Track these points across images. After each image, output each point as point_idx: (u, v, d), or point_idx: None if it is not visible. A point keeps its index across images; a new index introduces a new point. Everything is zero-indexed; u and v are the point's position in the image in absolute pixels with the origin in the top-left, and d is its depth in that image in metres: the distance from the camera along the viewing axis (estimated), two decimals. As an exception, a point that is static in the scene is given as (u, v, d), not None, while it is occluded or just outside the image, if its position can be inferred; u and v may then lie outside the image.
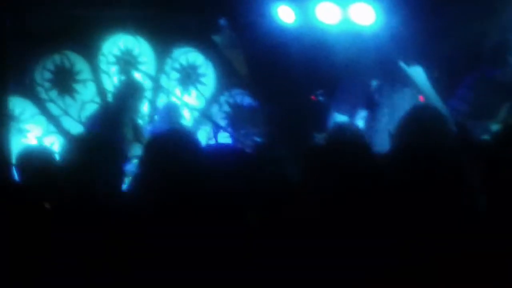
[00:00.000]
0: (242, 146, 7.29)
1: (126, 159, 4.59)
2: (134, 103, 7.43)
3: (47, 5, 8.09)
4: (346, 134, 4.69)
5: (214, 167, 4.14)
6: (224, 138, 7.94)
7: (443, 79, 7.44)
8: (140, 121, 7.68)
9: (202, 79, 9.37)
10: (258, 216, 3.93)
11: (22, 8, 7.95)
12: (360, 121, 7.67)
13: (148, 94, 8.87)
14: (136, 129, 7.32)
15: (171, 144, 3.98)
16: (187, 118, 8.92)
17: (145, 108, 8.64)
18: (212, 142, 7.85)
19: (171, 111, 8.11)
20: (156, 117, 8.29)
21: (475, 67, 7.04)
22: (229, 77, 9.33)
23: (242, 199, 4.01)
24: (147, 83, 8.91)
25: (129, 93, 7.41)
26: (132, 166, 5.18)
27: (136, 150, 6.77)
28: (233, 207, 3.90)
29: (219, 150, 4.71)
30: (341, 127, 5.10)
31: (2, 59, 7.85)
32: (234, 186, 4.08)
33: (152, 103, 8.94)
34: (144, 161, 4.02)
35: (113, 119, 7.09)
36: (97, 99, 8.88)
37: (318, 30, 7.93)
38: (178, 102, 8.72)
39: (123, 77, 8.57)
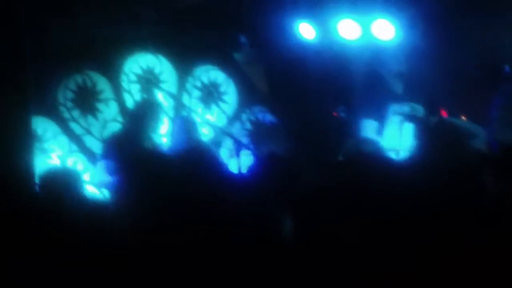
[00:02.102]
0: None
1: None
2: (151, 122, 7.45)
3: (69, 24, 8.13)
4: (364, 149, 4.68)
5: (239, 182, 4.15)
6: (246, 155, 7.92)
7: (461, 92, 7.42)
8: (157, 140, 7.68)
9: (224, 97, 9.37)
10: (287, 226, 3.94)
11: (43, 27, 8.00)
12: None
13: (169, 112, 8.90)
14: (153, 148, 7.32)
15: (192, 163, 4.00)
16: (207, 135, 8.93)
17: (165, 126, 8.66)
18: (234, 159, 7.84)
19: (187, 126, 8.10)
20: (173, 133, 8.28)
21: (494, 80, 7.01)
22: (250, 94, 9.33)
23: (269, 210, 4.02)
24: (168, 102, 8.96)
25: (145, 112, 7.43)
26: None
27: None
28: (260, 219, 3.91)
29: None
30: (359, 142, 5.09)
31: (24, 79, 7.90)
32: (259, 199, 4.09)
33: (175, 119, 8.95)
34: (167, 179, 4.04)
35: (132, 139, 7.11)
36: (119, 118, 8.90)
37: (338, 46, 7.94)
38: (197, 119, 8.72)
39: (140, 97, 8.62)
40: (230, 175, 4.74)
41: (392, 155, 6.82)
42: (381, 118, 7.71)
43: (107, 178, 7.16)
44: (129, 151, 6.42)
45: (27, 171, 6.46)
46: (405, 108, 7.55)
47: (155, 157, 7.20)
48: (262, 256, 3.65)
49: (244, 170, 4.92)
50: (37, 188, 5.27)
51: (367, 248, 3.30)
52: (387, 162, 3.74)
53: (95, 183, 7.79)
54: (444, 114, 7.63)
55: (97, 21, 8.25)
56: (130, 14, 8.18)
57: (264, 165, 4.70)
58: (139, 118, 7.48)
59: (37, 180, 5.52)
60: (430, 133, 4.47)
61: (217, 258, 3.66)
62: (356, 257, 3.29)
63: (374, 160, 3.75)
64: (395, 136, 7.44)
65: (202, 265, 3.65)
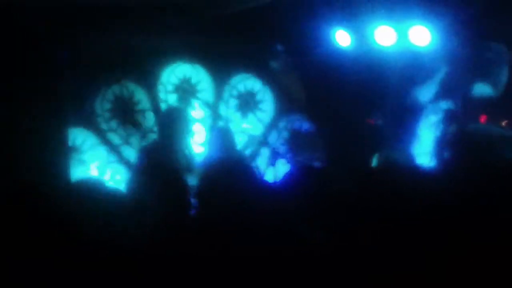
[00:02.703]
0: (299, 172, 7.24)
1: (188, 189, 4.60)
2: (181, 132, 7.46)
3: (105, 35, 8.18)
4: (395, 159, 4.64)
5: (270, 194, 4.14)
6: (282, 164, 7.92)
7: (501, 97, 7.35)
8: (190, 150, 7.69)
9: (260, 105, 9.37)
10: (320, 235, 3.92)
11: (81, 38, 8.07)
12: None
13: (206, 122, 8.92)
14: (186, 158, 7.33)
15: (226, 174, 3.99)
16: (244, 144, 8.93)
17: (202, 136, 8.68)
18: (271, 168, 7.84)
19: (224, 135, 8.10)
20: (209, 143, 8.29)
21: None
22: (287, 103, 9.32)
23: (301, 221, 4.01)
24: (205, 111, 8.98)
25: (175, 122, 7.45)
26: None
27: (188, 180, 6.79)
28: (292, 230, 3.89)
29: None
30: (390, 152, 5.05)
31: (62, 90, 7.98)
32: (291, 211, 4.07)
33: (211, 130, 8.97)
34: (201, 191, 4.04)
35: (164, 149, 7.13)
36: (157, 129, 8.93)
37: (374, 52, 7.90)
38: (233, 128, 8.72)
39: (168, 108, 8.65)
40: (265, 185, 4.72)
41: (425, 160, 6.77)
42: (415, 124, 7.65)
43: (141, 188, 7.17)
44: (162, 162, 6.45)
45: (64, 182, 6.51)
46: (439, 113, 7.49)
47: (189, 167, 7.25)
48: (294, 266, 3.63)
49: (280, 179, 4.89)
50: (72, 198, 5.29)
51: (398, 258, 3.28)
52: (417, 172, 3.71)
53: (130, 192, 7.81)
54: (483, 119, 7.55)
55: (134, 32, 8.29)
56: (167, 24, 8.20)
57: (299, 175, 4.68)
58: (171, 128, 7.48)
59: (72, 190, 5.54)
60: (462, 140, 4.41)
61: (250, 267, 3.64)
62: (386, 267, 3.27)
63: (405, 171, 3.73)
64: (429, 141, 7.38)
65: (236, 274, 3.64)
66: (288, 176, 4.83)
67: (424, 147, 7.44)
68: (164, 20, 8.13)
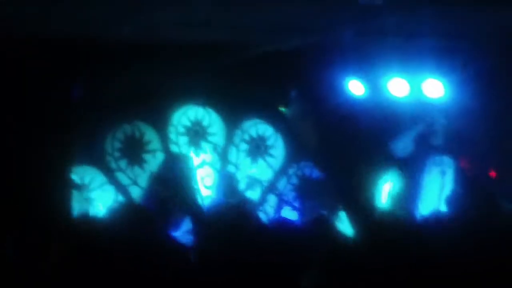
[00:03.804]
0: (306, 219, 7.22)
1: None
2: (185, 178, 7.45)
3: (119, 74, 8.21)
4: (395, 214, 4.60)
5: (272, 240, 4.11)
6: (289, 211, 7.88)
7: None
8: (194, 195, 7.65)
9: (271, 151, 9.34)
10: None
11: (94, 76, 8.09)
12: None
13: (216, 165, 8.90)
14: (188, 202, 7.31)
15: (231, 219, 3.99)
16: (252, 190, 8.89)
17: (211, 179, 8.65)
18: (276, 215, 7.80)
19: (232, 180, 8.09)
20: (217, 188, 8.27)
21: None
22: (298, 149, 9.28)
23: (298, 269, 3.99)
24: (215, 155, 8.96)
25: (179, 168, 7.46)
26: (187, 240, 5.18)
27: (189, 224, 6.79)
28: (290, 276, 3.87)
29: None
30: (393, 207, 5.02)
31: (73, 127, 7.98)
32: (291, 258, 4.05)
33: (220, 174, 8.94)
34: (205, 234, 4.03)
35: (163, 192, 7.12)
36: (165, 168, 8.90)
37: (387, 102, 7.92)
38: (243, 172, 8.70)
39: (174, 153, 8.65)
40: (268, 232, 4.70)
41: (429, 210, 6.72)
42: (421, 175, 7.61)
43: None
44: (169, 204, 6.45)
45: (66, 218, 6.50)
46: (447, 163, 7.46)
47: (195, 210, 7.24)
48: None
49: (285, 225, 4.86)
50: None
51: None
52: (420, 221, 3.70)
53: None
54: (493, 174, 7.51)
55: (147, 73, 8.30)
56: (180, 66, 8.22)
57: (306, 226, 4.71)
58: (179, 172, 7.49)
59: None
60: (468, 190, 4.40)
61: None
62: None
63: (409, 219, 3.72)
64: (435, 191, 7.34)
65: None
66: (294, 224, 4.82)
67: (429, 198, 7.39)
68: (180, 61, 8.15)
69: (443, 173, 7.36)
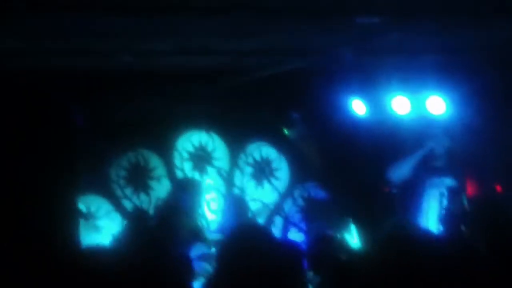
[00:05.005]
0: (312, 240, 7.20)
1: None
2: (190, 203, 7.45)
3: (119, 104, 8.24)
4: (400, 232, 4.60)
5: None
6: (295, 233, 7.88)
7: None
8: (200, 220, 7.65)
9: (276, 173, 9.34)
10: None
11: (97, 104, 8.12)
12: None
13: (221, 189, 8.91)
14: (196, 228, 7.31)
15: (247, 241, 3.99)
16: (258, 213, 8.88)
17: (216, 203, 8.66)
18: (283, 237, 7.79)
19: (238, 204, 8.09)
20: (223, 211, 8.27)
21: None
22: (302, 170, 9.28)
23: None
24: (220, 179, 8.97)
25: (184, 193, 7.46)
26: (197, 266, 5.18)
27: (199, 249, 6.79)
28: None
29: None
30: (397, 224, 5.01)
31: (77, 155, 8.00)
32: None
33: (226, 197, 8.94)
34: (221, 259, 4.03)
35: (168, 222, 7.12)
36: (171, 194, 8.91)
37: (389, 121, 7.93)
38: (248, 195, 8.71)
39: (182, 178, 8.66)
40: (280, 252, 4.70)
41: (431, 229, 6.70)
42: (422, 195, 7.60)
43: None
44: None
45: (74, 248, 6.49)
46: (449, 183, 7.45)
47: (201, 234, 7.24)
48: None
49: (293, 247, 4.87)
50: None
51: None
52: (424, 239, 3.71)
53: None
54: (498, 189, 7.50)
55: (150, 99, 8.33)
56: (182, 92, 8.25)
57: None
58: (185, 197, 7.49)
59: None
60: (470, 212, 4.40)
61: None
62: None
63: (413, 238, 3.72)
64: (435, 212, 7.33)
65: None
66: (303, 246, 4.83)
67: (430, 217, 7.38)
68: (182, 87, 8.18)
69: (442, 195, 7.34)
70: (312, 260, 4.70)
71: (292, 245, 4.60)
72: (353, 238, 6.60)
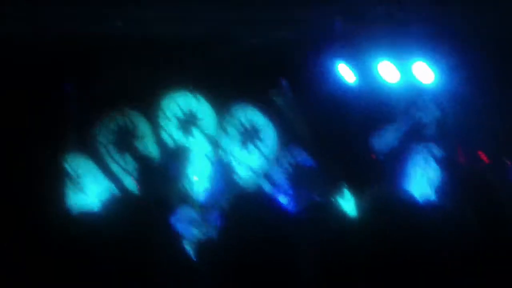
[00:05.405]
0: (301, 206, 7.23)
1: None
2: (178, 168, 7.46)
3: (110, 67, 8.22)
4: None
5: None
6: (283, 198, 7.89)
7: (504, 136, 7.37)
8: (187, 184, 7.67)
9: (263, 139, 9.34)
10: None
11: (86, 70, 8.10)
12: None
13: (207, 152, 8.91)
14: (183, 193, 7.33)
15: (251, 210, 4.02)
16: (244, 177, 8.91)
17: (202, 167, 8.67)
18: (271, 203, 7.78)
19: (225, 168, 8.11)
20: (210, 175, 8.28)
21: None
22: (289, 137, 9.29)
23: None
24: (206, 142, 8.97)
25: (171, 155, 7.46)
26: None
27: (186, 214, 6.81)
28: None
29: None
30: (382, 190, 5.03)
31: (65, 119, 7.99)
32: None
33: (211, 161, 8.95)
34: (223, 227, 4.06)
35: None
36: (157, 157, 8.92)
37: (378, 88, 7.95)
38: (235, 160, 8.72)
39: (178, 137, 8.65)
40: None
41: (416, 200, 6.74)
42: (409, 162, 7.63)
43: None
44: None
45: (62, 209, 6.50)
46: (436, 151, 7.48)
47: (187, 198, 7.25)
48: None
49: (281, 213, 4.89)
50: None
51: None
52: (412, 206, 3.75)
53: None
54: (484, 158, 7.55)
55: (137, 66, 8.31)
56: (171, 59, 8.23)
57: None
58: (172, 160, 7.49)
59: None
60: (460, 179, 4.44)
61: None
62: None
63: (399, 204, 3.77)
64: (421, 180, 7.37)
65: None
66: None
67: (416, 185, 7.41)
68: (170, 54, 8.16)
69: (429, 163, 7.37)
70: (306, 228, 4.71)
71: (290, 213, 4.62)
72: (347, 205, 6.60)
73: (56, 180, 7.59)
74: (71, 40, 7.30)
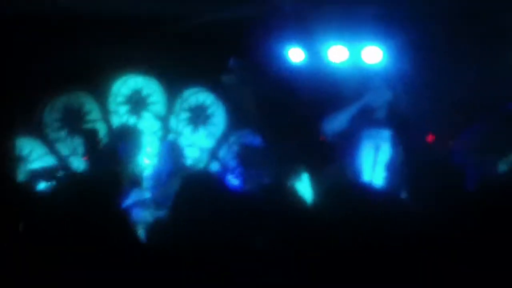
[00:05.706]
0: (250, 187, 7.26)
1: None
2: (127, 150, 7.42)
3: (57, 45, 8.11)
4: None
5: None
6: (232, 178, 7.90)
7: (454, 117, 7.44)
8: (137, 166, 7.63)
9: (212, 119, 9.33)
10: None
11: (32, 48, 7.98)
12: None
13: (157, 134, 8.88)
14: (132, 175, 7.30)
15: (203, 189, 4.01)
16: (193, 158, 8.89)
17: (151, 148, 8.64)
18: (220, 183, 7.78)
19: (174, 148, 8.08)
20: (159, 156, 8.25)
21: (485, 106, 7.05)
22: (239, 117, 9.30)
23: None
24: (156, 123, 8.93)
25: (121, 137, 7.42)
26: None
27: (135, 196, 6.78)
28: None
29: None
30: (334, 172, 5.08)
31: (10, 98, 7.89)
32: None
33: (161, 143, 8.92)
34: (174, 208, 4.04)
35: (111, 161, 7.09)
36: (106, 139, 8.85)
37: (326, 69, 7.98)
38: (184, 141, 8.71)
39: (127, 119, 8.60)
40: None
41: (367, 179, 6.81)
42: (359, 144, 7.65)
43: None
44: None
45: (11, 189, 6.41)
46: (386, 133, 7.51)
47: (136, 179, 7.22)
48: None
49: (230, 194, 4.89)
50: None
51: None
52: (363, 188, 3.78)
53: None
54: (431, 138, 7.63)
55: (87, 41, 8.21)
56: (120, 37, 8.15)
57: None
58: (120, 141, 7.45)
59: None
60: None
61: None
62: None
63: (351, 186, 3.79)
64: (370, 163, 7.40)
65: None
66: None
67: (367, 168, 7.45)
68: (120, 31, 8.08)
69: (378, 146, 7.39)
70: (255, 208, 4.70)
71: (238, 193, 4.63)
72: (296, 186, 6.62)
73: (6, 162, 7.50)
74: (17, 18, 7.20)
